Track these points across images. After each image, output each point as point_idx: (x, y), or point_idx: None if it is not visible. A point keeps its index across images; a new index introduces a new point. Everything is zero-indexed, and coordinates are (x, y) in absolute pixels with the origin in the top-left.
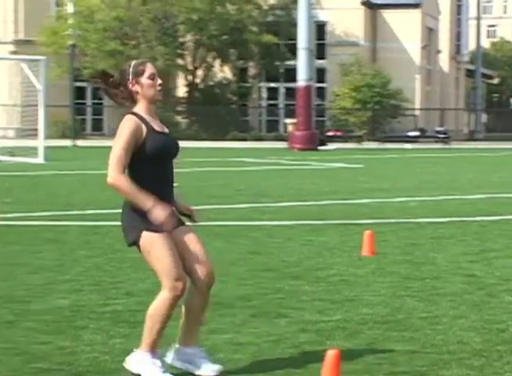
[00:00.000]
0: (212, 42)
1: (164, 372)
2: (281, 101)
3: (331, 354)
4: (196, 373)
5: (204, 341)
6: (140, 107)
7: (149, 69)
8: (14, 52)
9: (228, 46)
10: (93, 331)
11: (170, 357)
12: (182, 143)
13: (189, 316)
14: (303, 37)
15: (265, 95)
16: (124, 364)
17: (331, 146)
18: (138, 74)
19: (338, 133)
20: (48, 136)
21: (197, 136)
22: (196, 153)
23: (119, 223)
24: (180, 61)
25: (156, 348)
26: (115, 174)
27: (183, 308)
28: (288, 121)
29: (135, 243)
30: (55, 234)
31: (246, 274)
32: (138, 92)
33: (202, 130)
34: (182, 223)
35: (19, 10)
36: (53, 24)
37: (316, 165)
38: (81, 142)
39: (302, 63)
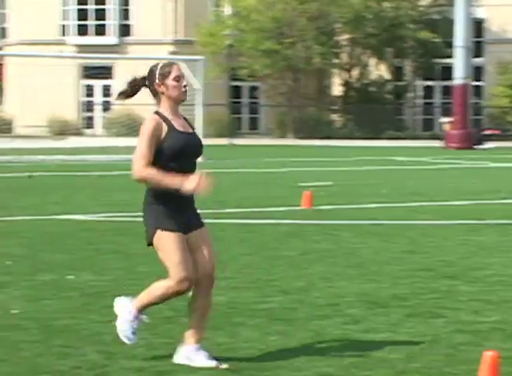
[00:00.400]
0: (368, 41)
1: (133, 332)
2: (437, 99)
3: (489, 356)
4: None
5: (359, 339)
6: (164, 107)
7: (175, 71)
8: (173, 53)
9: (384, 44)
10: (250, 328)
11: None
12: (336, 142)
13: (192, 316)
14: (460, 35)
15: (420, 93)
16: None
17: (488, 144)
18: (165, 75)
19: (496, 132)
20: (205, 135)
21: (352, 135)
22: (350, 152)
23: (272, 221)
24: (336, 60)
25: (141, 313)
26: (139, 167)
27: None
28: (444, 119)
29: (151, 243)
30: (213, 232)
31: (401, 273)
32: (163, 93)
33: (357, 129)
34: (200, 225)
35: (179, 11)
36: (210, 25)
37: (473, 164)
38: (237, 141)
39: (459, 62)
